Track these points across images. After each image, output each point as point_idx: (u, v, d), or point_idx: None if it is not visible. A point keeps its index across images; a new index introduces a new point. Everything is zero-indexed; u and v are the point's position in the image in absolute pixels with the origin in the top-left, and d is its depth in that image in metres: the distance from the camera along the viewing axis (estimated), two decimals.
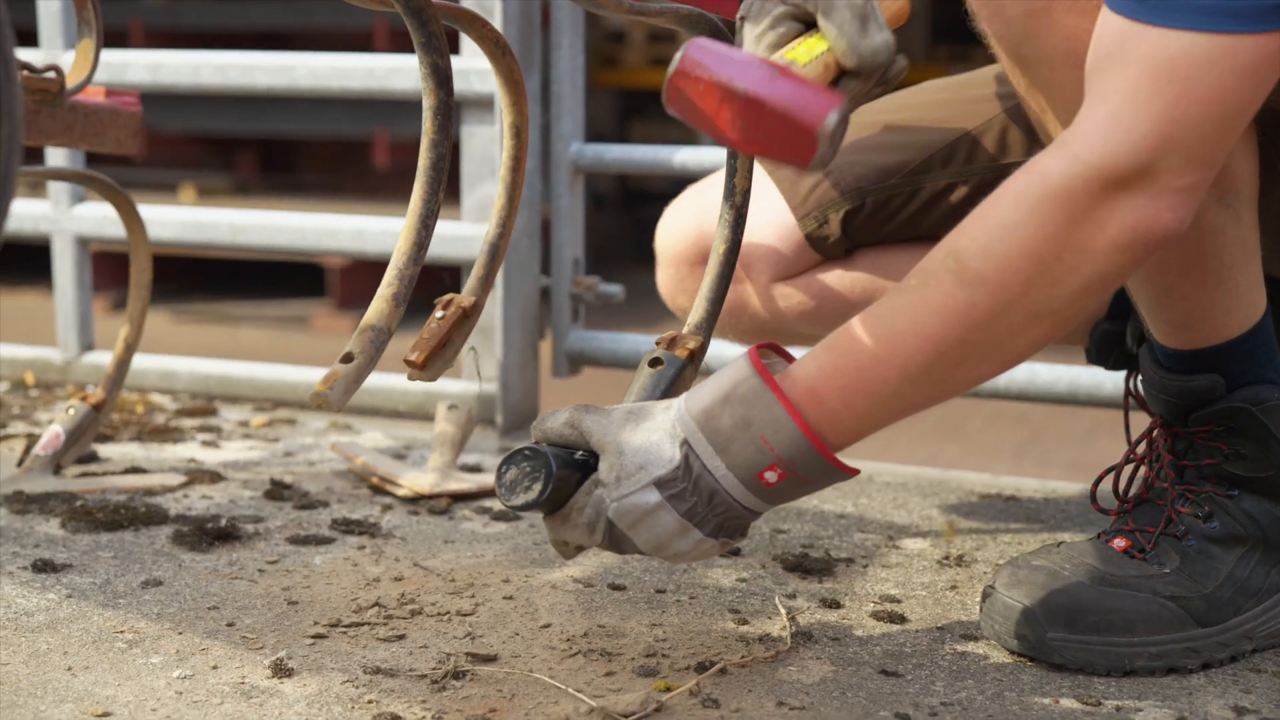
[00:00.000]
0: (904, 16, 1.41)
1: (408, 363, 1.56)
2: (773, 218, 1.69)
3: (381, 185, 6.61)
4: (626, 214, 7.33)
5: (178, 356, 2.60)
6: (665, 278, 1.76)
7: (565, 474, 1.25)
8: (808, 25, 1.34)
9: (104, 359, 2.58)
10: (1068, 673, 1.38)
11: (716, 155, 2.27)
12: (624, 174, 2.28)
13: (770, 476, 1.23)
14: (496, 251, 1.67)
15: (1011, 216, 1.19)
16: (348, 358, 1.32)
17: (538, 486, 1.24)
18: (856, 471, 1.27)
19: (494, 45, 1.61)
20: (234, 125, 6.62)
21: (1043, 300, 1.19)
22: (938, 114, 1.69)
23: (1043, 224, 1.18)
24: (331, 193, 6.92)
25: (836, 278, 1.68)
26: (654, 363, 1.39)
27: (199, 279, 6.41)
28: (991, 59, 1.41)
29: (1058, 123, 1.31)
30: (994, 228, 1.20)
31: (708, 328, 1.46)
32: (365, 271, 5.93)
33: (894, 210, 1.67)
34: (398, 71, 2.32)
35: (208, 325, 6.24)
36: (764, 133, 1.20)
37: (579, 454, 1.27)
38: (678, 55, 1.21)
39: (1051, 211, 1.17)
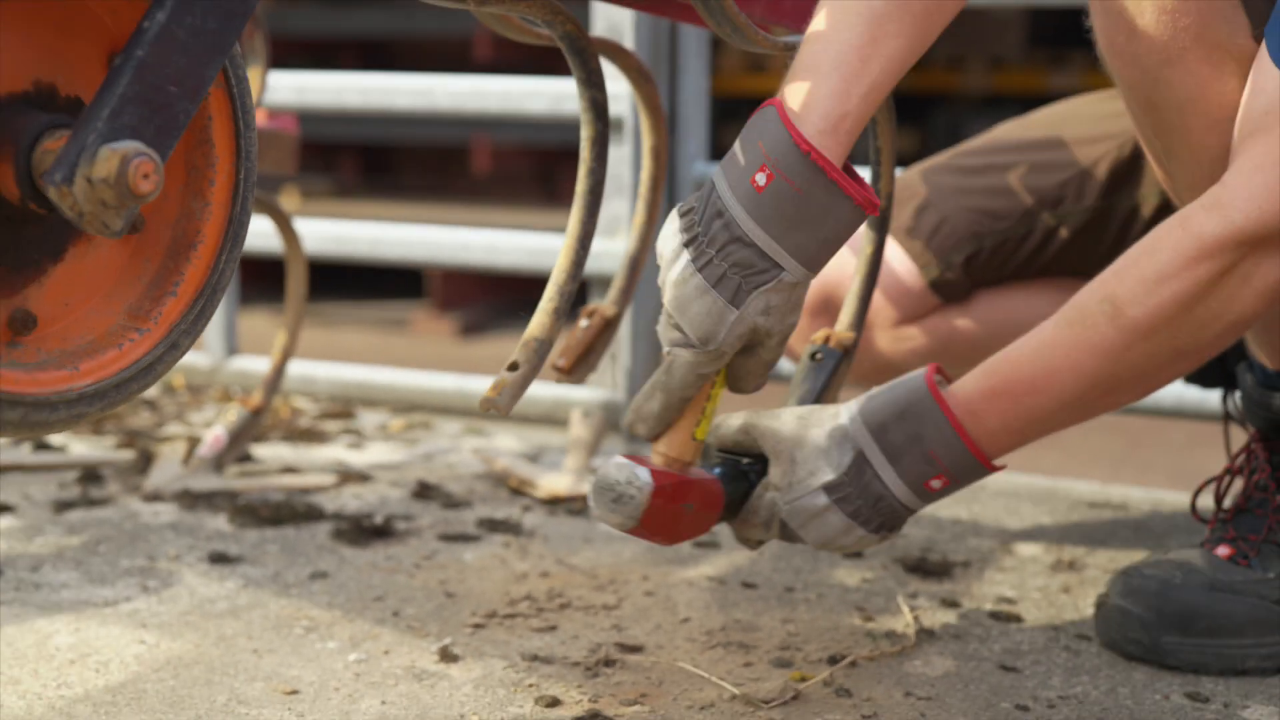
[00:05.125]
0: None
1: (555, 368, 1.69)
2: (894, 265, 1.80)
3: (481, 189, 6.75)
4: None
5: (317, 361, 2.74)
6: None
7: (735, 487, 1.38)
8: None
9: (248, 363, 2.73)
10: (1178, 672, 1.48)
11: None
12: None
13: (935, 484, 1.35)
14: (636, 265, 1.79)
15: (1167, 270, 1.29)
16: (513, 366, 1.44)
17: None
18: (1004, 467, 1.39)
19: (637, 74, 1.73)
20: (337, 132, 6.78)
21: (1188, 341, 1.30)
22: (1048, 155, 1.79)
23: (1196, 278, 1.29)
24: (431, 195, 7.05)
25: (957, 320, 1.80)
26: (814, 356, 1.51)
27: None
28: (1092, 63, 1.50)
29: (1181, 166, 1.40)
30: (1149, 278, 1.30)
31: (859, 324, 1.57)
32: (465, 275, 6.06)
33: (1010, 250, 1.77)
34: (534, 95, 2.45)
35: (307, 327, 6.36)
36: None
37: (745, 462, 1.39)
38: (635, 481, 1.27)
39: (1204, 267, 1.28)
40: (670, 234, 1.30)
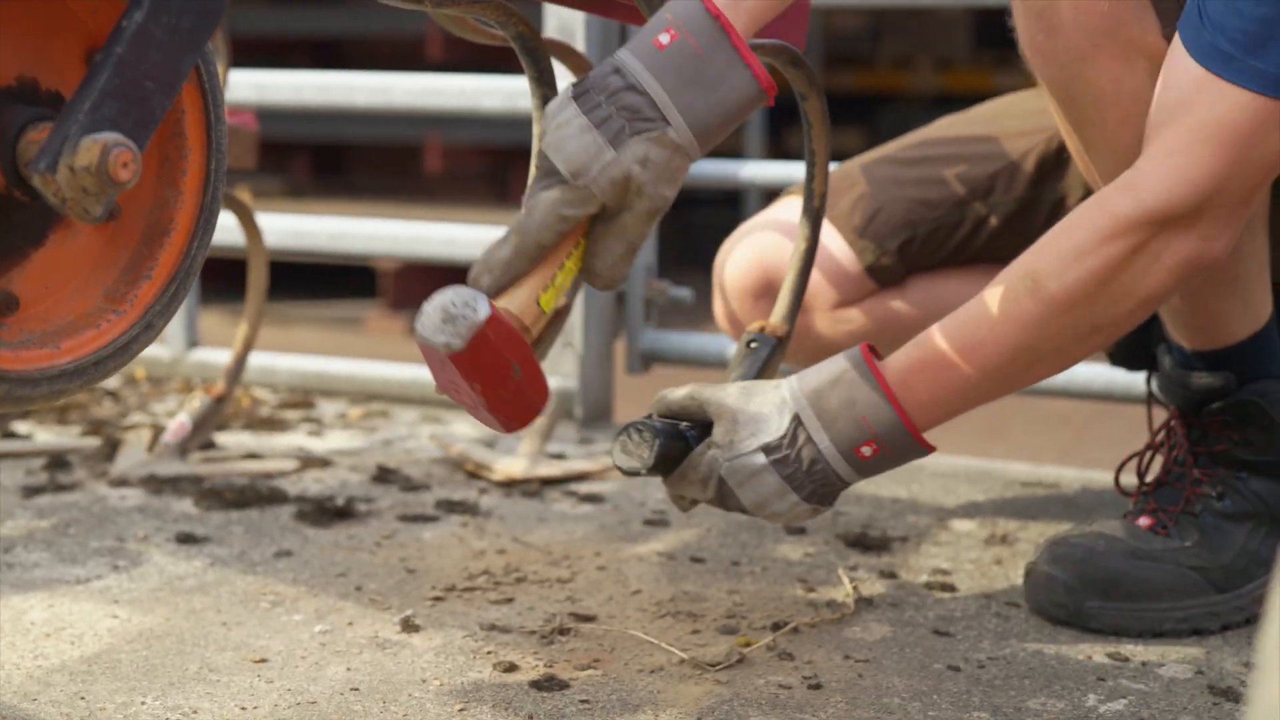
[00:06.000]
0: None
1: None
2: (832, 250, 1.89)
3: (433, 189, 6.79)
4: (667, 216, 7.51)
5: (278, 353, 2.80)
6: (730, 310, 1.95)
7: (671, 444, 1.45)
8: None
9: (208, 355, 2.79)
10: (1100, 635, 1.57)
11: (780, 169, 2.45)
12: (696, 186, 2.45)
13: (866, 451, 1.42)
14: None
15: (1083, 247, 1.38)
16: None
17: (647, 453, 1.43)
18: (934, 448, 1.46)
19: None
20: (290, 131, 6.80)
21: (1104, 315, 1.39)
22: (981, 148, 1.88)
23: (1110, 254, 1.37)
24: (384, 195, 7.09)
25: (893, 303, 1.88)
26: (749, 344, 1.59)
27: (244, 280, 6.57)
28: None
29: (1099, 158, 1.49)
30: (1067, 254, 1.38)
31: (792, 317, 1.65)
32: (417, 274, 6.10)
33: (943, 237, 1.86)
34: (489, 93, 2.52)
35: (262, 325, 6.40)
36: (472, 407, 1.28)
37: (684, 425, 1.46)
38: (455, 316, 1.21)
39: (1117, 244, 1.37)
40: (561, 94, 1.32)
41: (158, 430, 2.22)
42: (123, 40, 1.08)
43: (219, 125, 1.20)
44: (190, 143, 1.20)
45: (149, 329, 1.19)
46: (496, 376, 1.24)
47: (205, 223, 1.21)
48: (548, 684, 1.41)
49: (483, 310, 1.21)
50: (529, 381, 1.27)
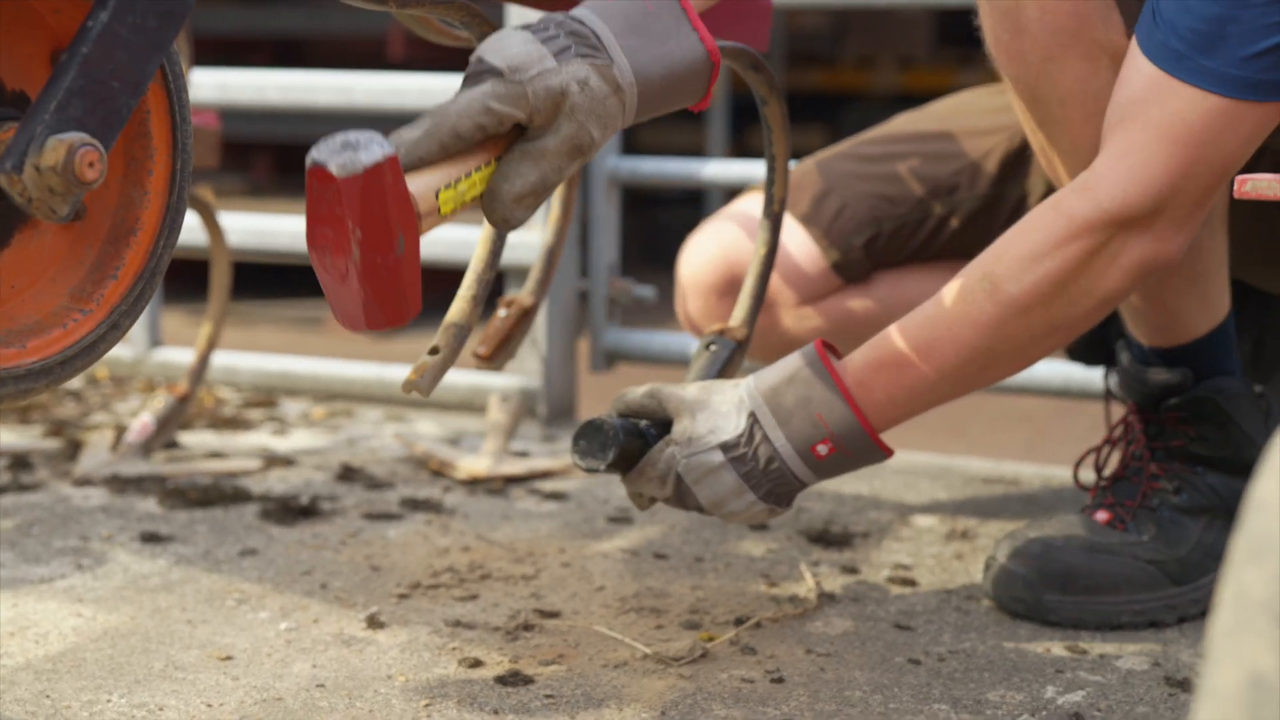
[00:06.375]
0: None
1: (476, 356, 1.77)
2: (797, 247, 1.90)
3: None
4: (630, 215, 7.54)
5: (241, 352, 2.80)
6: (694, 307, 1.96)
7: (630, 441, 1.46)
8: (518, 127, 1.26)
9: (170, 355, 2.78)
10: (1059, 628, 1.59)
11: (742, 168, 2.47)
12: (659, 185, 2.46)
13: (821, 450, 1.44)
14: (553, 257, 1.87)
15: (1040, 249, 1.40)
16: (434, 350, 1.52)
17: (607, 453, 1.44)
18: (892, 452, 1.47)
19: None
20: (251, 131, 6.77)
21: (1061, 316, 1.41)
22: (943, 146, 1.89)
23: (1067, 256, 1.39)
24: None
25: (856, 300, 1.90)
26: (709, 345, 1.60)
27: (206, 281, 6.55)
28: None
29: (1063, 156, 1.51)
30: (1025, 257, 1.40)
31: (751, 320, 1.66)
32: None
33: (907, 235, 1.88)
34: (452, 92, 2.53)
35: (205, 327, 6.39)
36: (337, 282, 1.19)
37: (643, 423, 1.48)
38: (356, 147, 1.15)
39: (1075, 246, 1.38)
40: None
41: (120, 430, 2.22)
42: (88, 40, 1.08)
43: (184, 125, 1.20)
44: (156, 142, 1.20)
45: (115, 328, 1.19)
46: (380, 232, 1.15)
47: (171, 222, 1.22)
48: (513, 679, 1.42)
49: (387, 149, 1.15)
50: (408, 267, 1.18)
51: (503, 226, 1.27)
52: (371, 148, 1.15)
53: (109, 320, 1.19)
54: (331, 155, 1.14)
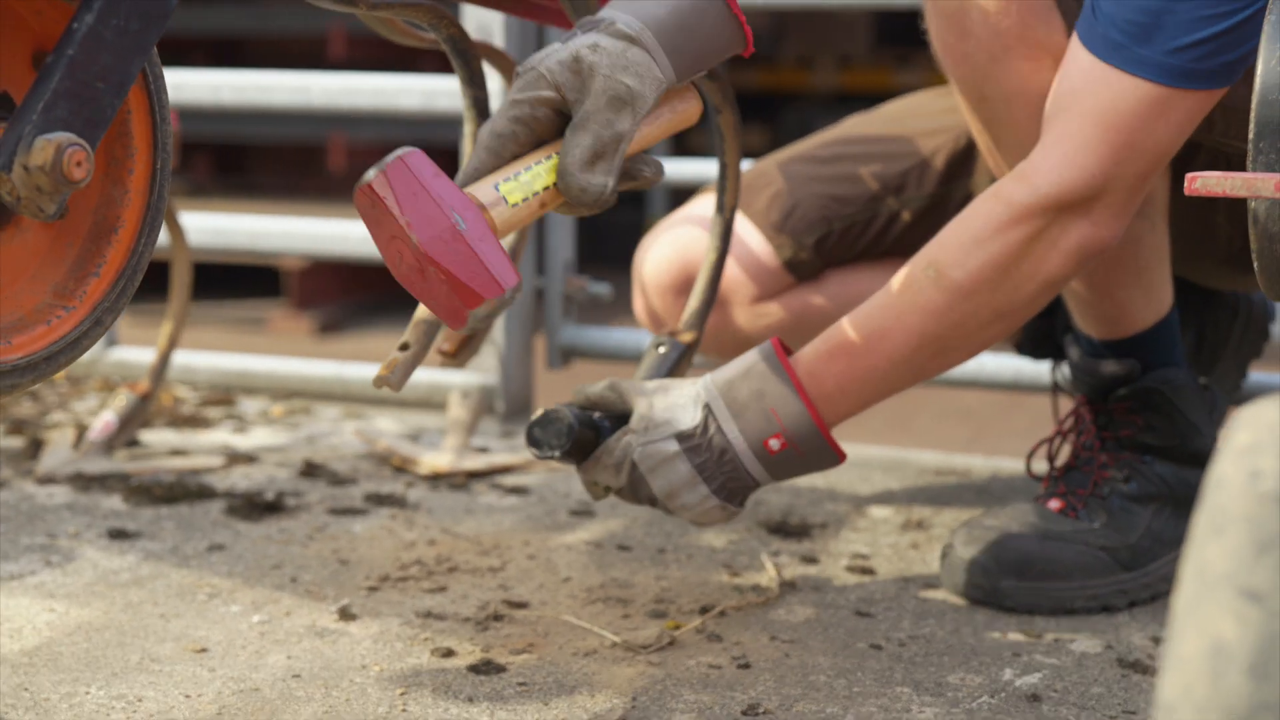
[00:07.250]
0: (694, 118, 1.44)
1: (440, 352, 1.79)
2: (750, 246, 1.94)
3: (337, 188, 6.77)
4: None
5: (197, 351, 2.81)
6: (650, 305, 1.99)
7: (584, 431, 1.49)
8: (559, 114, 1.33)
9: (126, 354, 2.79)
10: (1014, 613, 1.63)
11: (684, 167, 2.50)
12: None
13: (774, 444, 1.47)
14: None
15: (982, 235, 1.44)
16: (404, 347, 1.54)
17: (562, 441, 1.48)
18: (844, 455, 1.50)
19: (513, 74, 1.84)
20: (191, 130, 6.71)
21: (1005, 301, 1.45)
22: (893, 147, 1.94)
23: (1008, 241, 1.43)
24: (286, 195, 7.04)
25: (810, 297, 1.94)
26: (659, 346, 1.63)
27: (157, 281, 6.54)
28: (934, 63, 1.65)
29: (1008, 154, 1.55)
30: (967, 243, 1.45)
31: (700, 322, 1.70)
32: (322, 273, 6.07)
33: (858, 233, 1.92)
34: (405, 92, 2.55)
35: (166, 325, 6.38)
36: (424, 283, 1.23)
37: (597, 415, 1.51)
38: (385, 161, 1.23)
39: (1015, 232, 1.43)
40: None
41: (82, 428, 2.23)
42: (74, 42, 1.11)
43: (164, 125, 1.23)
44: (136, 142, 1.22)
45: (98, 325, 1.21)
46: (427, 212, 1.21)
47: (152, 220, 1.24)
48: (485, 668, 1.45)
49: (411, 149, 1.23)
50: (480, 240, 1.22)
51: (581, 196, 1.30)
52: (395, 152, 1.23)
53: (92, 317, 1.21)
54: (368, 172, 1.23)
